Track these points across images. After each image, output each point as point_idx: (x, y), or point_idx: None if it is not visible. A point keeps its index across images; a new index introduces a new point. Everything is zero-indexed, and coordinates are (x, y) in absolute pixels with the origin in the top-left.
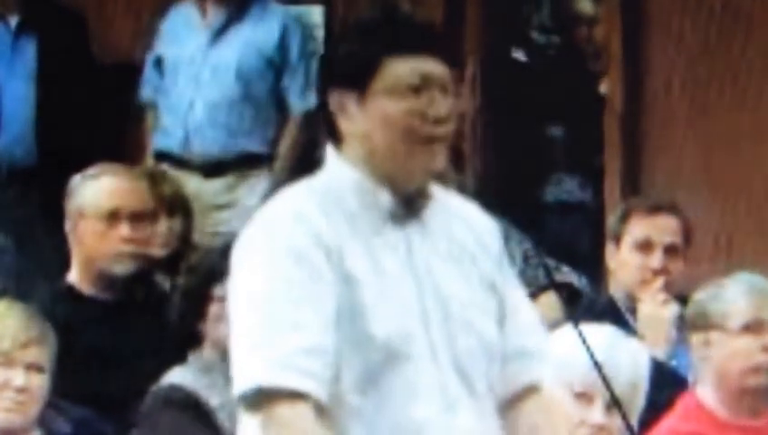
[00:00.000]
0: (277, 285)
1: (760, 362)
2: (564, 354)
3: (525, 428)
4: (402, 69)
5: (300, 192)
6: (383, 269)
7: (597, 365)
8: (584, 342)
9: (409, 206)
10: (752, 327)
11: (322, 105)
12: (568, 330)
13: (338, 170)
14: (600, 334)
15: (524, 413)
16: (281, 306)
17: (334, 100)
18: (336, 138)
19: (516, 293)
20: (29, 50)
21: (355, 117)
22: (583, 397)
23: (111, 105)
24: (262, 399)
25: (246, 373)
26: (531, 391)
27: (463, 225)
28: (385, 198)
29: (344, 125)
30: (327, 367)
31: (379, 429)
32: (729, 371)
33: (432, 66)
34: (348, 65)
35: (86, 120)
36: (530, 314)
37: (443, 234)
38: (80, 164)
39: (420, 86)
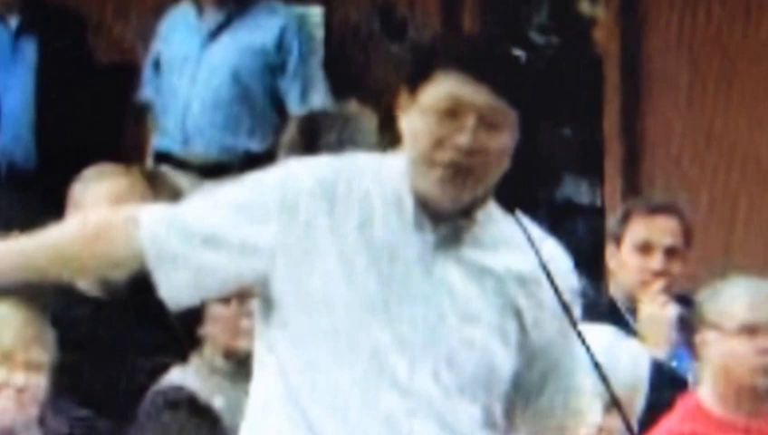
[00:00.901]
0: (242, 195)
1: (755, 364)
2: None
3: None
4: (444, 88)
5: (323, 162)
6: (385, 268)
7: (596, 366)
8: (584, 342)
9: (443, 221)
10: (747, 329)
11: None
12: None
13: (395, 165)
14: (600, 335)
15: None
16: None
17: (399, 97)
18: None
19: (560, 338)
20: (29, 51)
21: (403, 119)
22: None
23: (111, 106)
24: None
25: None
26: None
27: (516, 254)
28: (408, 205)
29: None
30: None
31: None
32: (726, 371)
33: (473, 93)
34: (411, 67)
35: (86, 121)
36: (573, 369)
37: (482, 254)
38: (80, 165)
39: (454, 111)
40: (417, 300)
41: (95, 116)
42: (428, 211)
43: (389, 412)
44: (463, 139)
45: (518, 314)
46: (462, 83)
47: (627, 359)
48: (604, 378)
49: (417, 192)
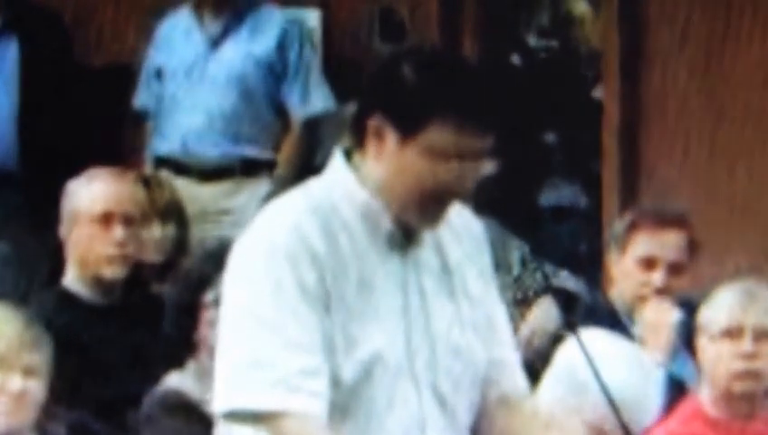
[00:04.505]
0: (277, 304)
1: (737, 368)
2: (581, 380)
3: (499, 432)
4: (452, 137)
5: (299, 203)
6: (375, 288)
7: (597, 376)
8: (582, 347)
9: (410, 229)
10: (730, 333)
11: (361, 115)
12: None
13: (346, 185)
14: (629, 362)
15: (498, 420)
16: (279, 326)
17: (375, 122)
18: (360, 147)
19: (495, 302)
20: (12, 51)
21: (388, 150)
22: (595, 429)
23: (104, 107)
24: (265, 417)
25: (247, 393)
26: (507, 401)
27: (451, 235)
28: (387, 225)
29: (373, 147)
30: (326, 385)
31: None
32: (715, 376)
33: (479, 141)
34: (405, 105)
35: (72, 122)
36: (506, 325)
37: (433, 249)
38: (65, 166)
39: (459, 156)
40: (400, 318)
41: (82, 117)
42: (401, 226)
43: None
44: (469, 183)
45: (478, 299)
46: (463, 131)
47: (654, 390)
48: (604, 387)
49: (405, 219)
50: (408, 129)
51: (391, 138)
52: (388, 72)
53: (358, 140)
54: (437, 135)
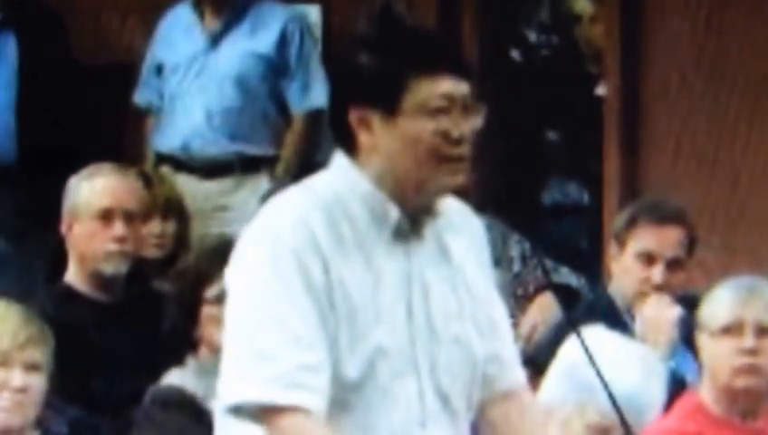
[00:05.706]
0: (281, 298)
1: (739, 364)
2: (584, 377)
3: (499, 427)
4: (429, 90)
5: (304, 198)
6: (380, 282)
7: (599, 373)
8: (583, 344)
9: (414, 222)
10: (731, 329)
11: (337, 115)
12: (598, 357)
13: (349, 179)
14: (635, 362)
15: (498, 415)
16: (283, 320)
17: (356, 114)
18: (351, 148)
19: (494, 298)
20: (10, 47)
21: (378, 133)
22: (599, 430)
23: (107, 105)
24: (264, 411)
25: (248, 387)
26: (506, 396)
27: (452, 231)
28: (394, 214)
29: (364, 139)
30: (327, 381)
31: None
32: (716, 372)
33: (455, 86)
34: (374, 84)
35: (70, 119)
36: (505, 320)
37: (435, 243)
38: (65, 164)
39: (446, 107)
40: (404, 311)
41: (82, 113)
42: (406, 214)
43: (402, 427)
44: (465, 128)
45: (479, 294)
46: (437, 77)
47: (658, 387)
48: (606, 386)
49: (408, 196)
50: (389, 101)
51: (377, 120)
52: (347, 65)
53: (345, 140)
54: (417, 93)
